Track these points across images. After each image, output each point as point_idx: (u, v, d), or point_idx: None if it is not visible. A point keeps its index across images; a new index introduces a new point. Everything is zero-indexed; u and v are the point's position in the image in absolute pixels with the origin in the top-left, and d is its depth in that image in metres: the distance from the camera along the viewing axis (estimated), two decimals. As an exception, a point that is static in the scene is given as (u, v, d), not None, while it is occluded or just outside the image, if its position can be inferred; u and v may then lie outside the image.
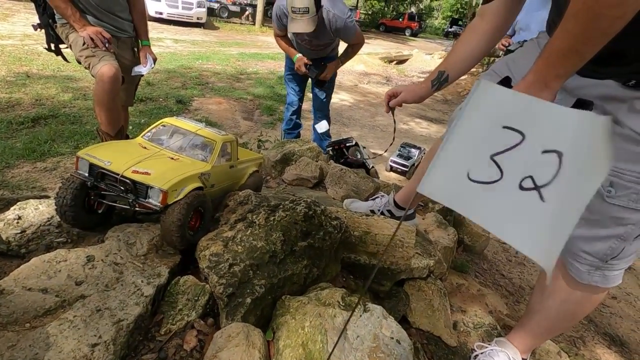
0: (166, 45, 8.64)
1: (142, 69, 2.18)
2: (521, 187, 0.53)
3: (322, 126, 2.97)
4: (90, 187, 1.18)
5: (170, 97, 4.94)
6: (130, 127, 3.21)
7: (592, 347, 2.02)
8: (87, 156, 1.14)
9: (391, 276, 1.35)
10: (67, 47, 2.08)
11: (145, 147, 1.29)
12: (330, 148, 2.68)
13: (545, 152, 0.52)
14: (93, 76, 1.92)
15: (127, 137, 2.20)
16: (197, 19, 12.59)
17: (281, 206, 1.23)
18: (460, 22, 29.01)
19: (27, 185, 2.57)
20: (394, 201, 1.78)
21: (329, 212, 1.29)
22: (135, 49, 2.28)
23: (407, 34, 26.80)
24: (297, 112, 3.17)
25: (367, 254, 1.34)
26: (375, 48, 14.31)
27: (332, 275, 1.27)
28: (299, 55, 2.73)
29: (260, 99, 5.73)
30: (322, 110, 3.12)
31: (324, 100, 3.03)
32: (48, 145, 3.10)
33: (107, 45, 1.94)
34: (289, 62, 2.91)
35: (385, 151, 2.41)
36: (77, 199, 1.17)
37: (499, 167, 0.54)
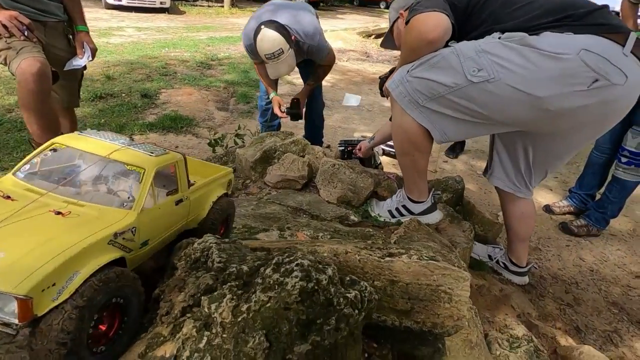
0: (128, 34, 7.97)
1: (79, 61, 1.77)
2: None
3: (351, 100, 2.64)
4: None
5: (134, 92, 4.47)
6: (85, 130, 2.78)
7: (629, 340, 1.81)
8: None
9: (432, 342, 0.90)
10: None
11: (10, 197, 0.68)
12: (343, 147, 2.39)
13: None
14: (12, 74, 1.52)
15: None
16: (161, 3, 11.74)
17: (260, 282, 0.69)
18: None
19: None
20: (407, 195, 1.61)
21: (340, 278, 0.73)
22: (71, 37, 1.87)
23: (382, 6, 26.02)
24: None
25: (395, 313, 0.85)
26: (351, 23, 13.70)
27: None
28: (274, 95, 2.53)
29: (235, 85, 5.29)
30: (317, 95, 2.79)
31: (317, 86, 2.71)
32: (-11, 158, 2.66)
33: (26, 33, 1.53)
34: None
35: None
36: None
37: None
